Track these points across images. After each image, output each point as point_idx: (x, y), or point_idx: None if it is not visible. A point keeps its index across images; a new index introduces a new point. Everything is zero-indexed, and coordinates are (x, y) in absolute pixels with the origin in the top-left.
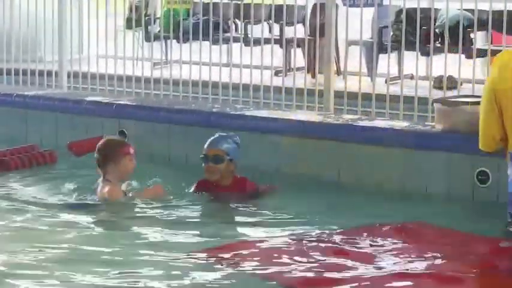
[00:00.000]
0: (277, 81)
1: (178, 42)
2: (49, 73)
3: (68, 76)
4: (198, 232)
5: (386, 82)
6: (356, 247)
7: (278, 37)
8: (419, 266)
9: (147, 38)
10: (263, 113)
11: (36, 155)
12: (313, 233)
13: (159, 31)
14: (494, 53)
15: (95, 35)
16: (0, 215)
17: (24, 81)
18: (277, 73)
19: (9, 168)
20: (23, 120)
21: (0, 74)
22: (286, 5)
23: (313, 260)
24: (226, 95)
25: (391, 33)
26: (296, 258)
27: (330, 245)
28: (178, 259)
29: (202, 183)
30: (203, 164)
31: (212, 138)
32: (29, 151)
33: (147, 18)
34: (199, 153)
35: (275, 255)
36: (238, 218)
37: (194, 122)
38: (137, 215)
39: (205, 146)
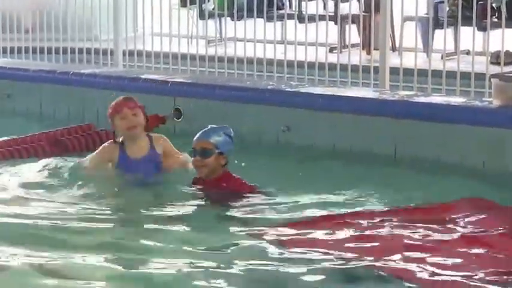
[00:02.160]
0: (332, 58)
1: (232, 19)
2: (105, 51)
3: (124, 54)
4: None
5: (442, 58)
6: (420, 223)
7: (333, 14)
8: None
9: (202, 16)
10: (318, 90)
11: (93, 135)
12: (374, 210)
13: (213, 9)
14: None
15: (149, 13)
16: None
17: (80, 60)
18: (332, 50)
19: (68, 149)
20: (79, 98)
21: (57, 52)
22: None
23: (379, 238)
24: (281, 73)
25: (447, 9)
26: (360, 236)
27: (394, 222)
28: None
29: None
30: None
31: (203, 130)
32: (86, 130)
33: None
34: (254, 130)
35: (336, 234)
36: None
37: (249, 99)
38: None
39: (195, 138)
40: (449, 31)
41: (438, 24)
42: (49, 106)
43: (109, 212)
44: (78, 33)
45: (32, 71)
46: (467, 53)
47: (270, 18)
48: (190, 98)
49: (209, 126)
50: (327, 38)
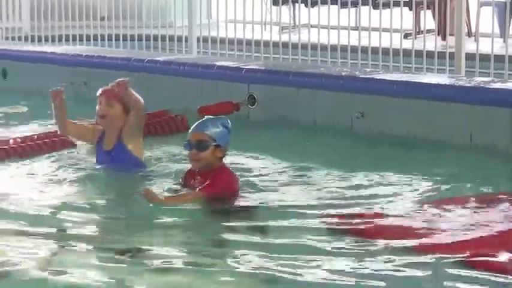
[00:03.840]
0: (407, 44)
1: (306, 6)
2: (179, 38)
3: (198, 41)
4: None
5: None
6: (498, 211)
7: None
8: None
9: (275, 2)
10: (392, 77)
11: (168, 120)
12: (452, 197)
13: None
14: None
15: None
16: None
17: (155, 47)
18: (406, 36)
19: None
20: (154, 85)
21: (132, 40)
22: None
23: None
24: (355, 59)
25: None
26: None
27: (472, 210)
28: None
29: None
30: (187, 151)
31: (198, 121)
32: (161, 116)
33: None
34: (328, 116)
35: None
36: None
37: (323, 86)
38: None
39: (190, 129)
40: None
41: None
42: None
43: (91, 209)
44: (152, 20)
45: (107, 58)
46: None
47: (344, 4)
48: (264, 84)
49: (205, 118)
50: (402, 23)
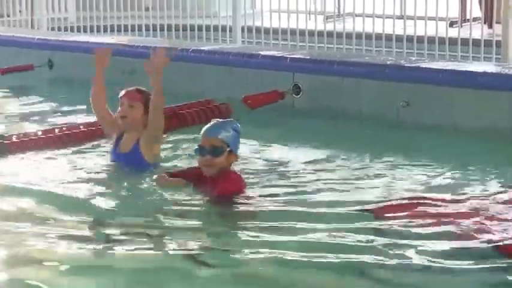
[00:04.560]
0: (453, 33)
1: None
2: (223, 28)
3: (242, 31)
4: None
5: None
6: None
7: None
8: None
9: None
10: (438, 65)
11: (212, 108)
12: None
13: None
14: None
15: None
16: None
17: (199, 37)
18: (452, 24)
19: (186, 122)
20: (198, 75)
21: (177, 29)
22: None
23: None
24: (400, 48)
25: None
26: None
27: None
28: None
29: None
30: (198, 157)
31: (208, 125)
32: (205, 105)
33: None
34: (373, 106)
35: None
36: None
37: (368, 75)
38: None
39: (202, 133)
40: None
41: None
42: (169, 83)
43: (101, 209)
44: (197, 11)
45: (152, 48)
46: None
47: None
48: (309, 74)
49: (215, 121)
50: (448, 11)
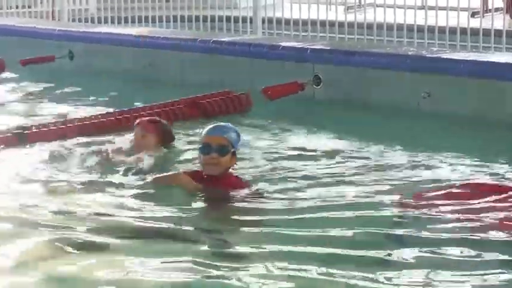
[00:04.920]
0: (475, 23)
1: None
2: (244, 19)
3: (263, 22)
4: None
5: None
6: None
7: None
8: None
9: None
10: (460, 56)
11: (232, 98)
12: None
13: None
14: None
15: None
16: None
17: (220, 28)
18: (474, 14)
19: (207, 112)
20: (219, 65)
21: (197, 20)
22: None
23: None
24: (422, 38)
25: None
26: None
27: None
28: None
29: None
30: (201, 155)
31: (213, 125)
32: (225, 96)
33: None
34: (394, 96)
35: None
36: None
37: (389, 65)
38: None
39: (207, 132)
40: None
41: None
42: (189, 74)
43: (100, 209)
44: (217, 1)
45: (172, 39)
46: None
47: None
48: (330, 64)
49: (217, 123)
50: (469, 2)
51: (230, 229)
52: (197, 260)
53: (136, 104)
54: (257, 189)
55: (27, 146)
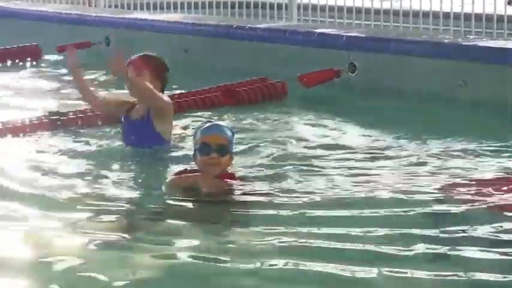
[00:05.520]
0: (511, 10)
1: None
2: (279, 6)
3: (298, 8)
4: None
5: None
6: None
7: None
8: None
9: None
10: (496, 44)
11: (268, 86)
12: None
13: None
14: None
15: None
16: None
17: (255, 14)
18: (510, 2)
19: (242, 99)
20: (254, 52)
21: (232, 7)
22: None
23: None
24: (458, 26)
25: None
26: None
27: None
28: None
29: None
30: (198, 156)
31: (211, 123)
32: (260, 83)
33: None
34: (430, 84)
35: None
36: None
37: (425, 53)
38: None
39: (204, 132)
40: None
41: None
42: (225, 60)
43: (104, 200)
44: None
45: (208, 25)
46: None
47: None
48: (365, 52)
49: (212, 121)
50: None
51: (234, 224)
52: (198, 255)
53: (172, 90)
54: (263, 183)
55: (63, 132)
